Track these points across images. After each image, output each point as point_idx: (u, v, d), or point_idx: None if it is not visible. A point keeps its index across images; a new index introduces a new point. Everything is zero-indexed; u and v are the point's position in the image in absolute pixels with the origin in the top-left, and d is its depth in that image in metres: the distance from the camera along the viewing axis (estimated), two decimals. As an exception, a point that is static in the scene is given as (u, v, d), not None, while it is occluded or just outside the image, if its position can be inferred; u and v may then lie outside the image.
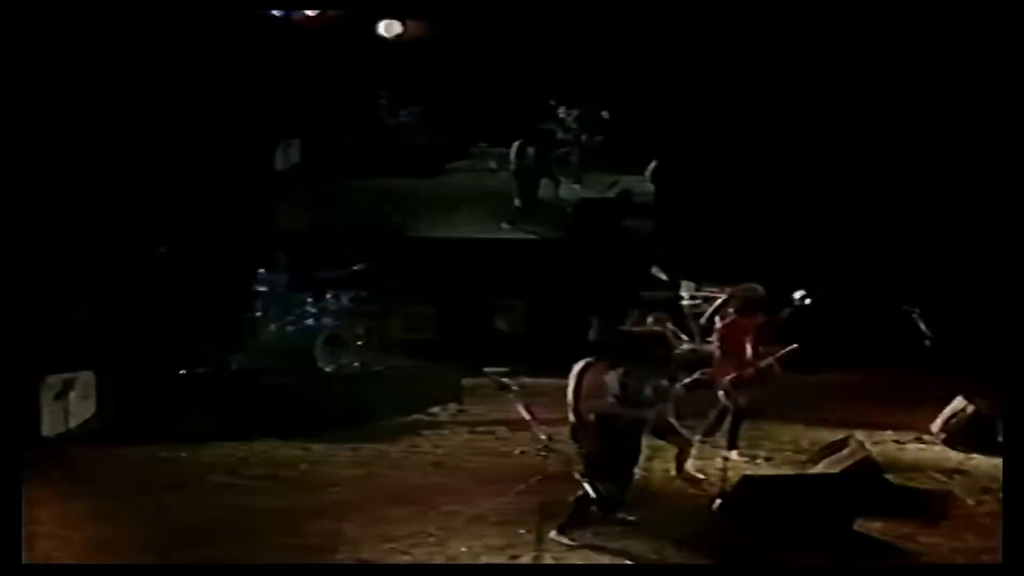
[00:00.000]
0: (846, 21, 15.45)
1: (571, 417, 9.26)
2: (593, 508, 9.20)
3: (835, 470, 10.40)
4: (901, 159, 16.11)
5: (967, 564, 9.04)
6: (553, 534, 9.02)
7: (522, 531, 9.08)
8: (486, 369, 9.04)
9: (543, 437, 8.06)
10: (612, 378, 9.06)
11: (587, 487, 9.02)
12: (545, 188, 17.20)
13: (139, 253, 14.32)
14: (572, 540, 9.00)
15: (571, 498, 8.99)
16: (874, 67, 15.84)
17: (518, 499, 9.40)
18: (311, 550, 8.70)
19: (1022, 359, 8.93)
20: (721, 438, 11.51)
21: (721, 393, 11.59)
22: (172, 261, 14.41)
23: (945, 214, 15.71)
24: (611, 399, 9.05)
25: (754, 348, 11.57)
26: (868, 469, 10.28)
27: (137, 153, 15.22)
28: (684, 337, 15.63)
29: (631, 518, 9.49)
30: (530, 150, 16.87)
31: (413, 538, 9.00)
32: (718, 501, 9.79)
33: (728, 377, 11.46)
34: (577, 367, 9.19)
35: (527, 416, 8.50)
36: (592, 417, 9.05)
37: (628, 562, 8.77)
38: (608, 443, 9.05)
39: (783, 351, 11.66)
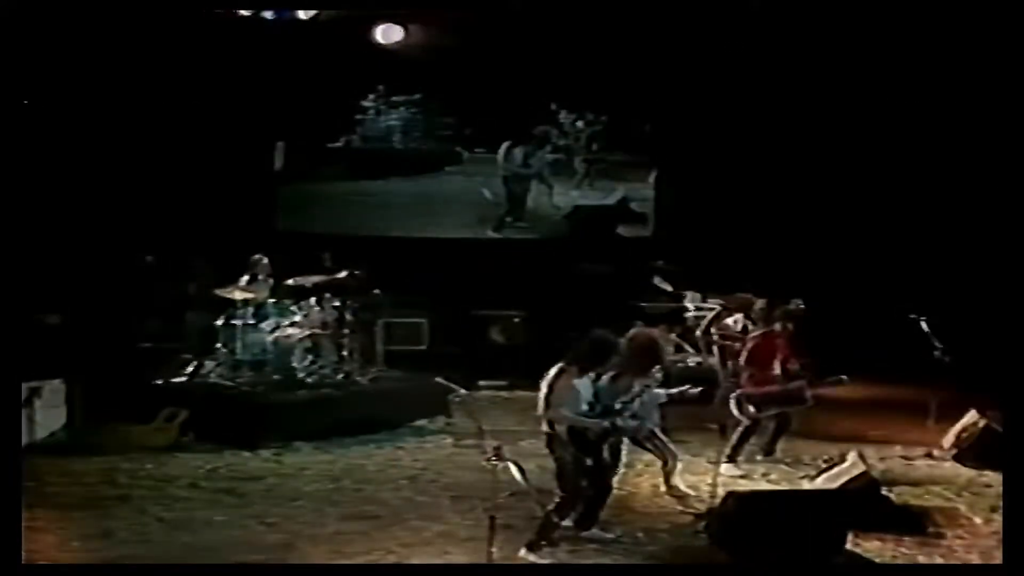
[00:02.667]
0: (846, 33, 14.95)
1: (544, 426, 8.69)
2: (567, 523, 8.65)
3: (831, 486, 9.82)
4: (911, 166, 15.55)
5: (966, 564, 8.61)
6: (522, 552, 8.44)
7: (493, 551, 8.51)
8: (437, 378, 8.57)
9: (492, 446, 7.48)
10: (584, 384, 8.48)
11: (558, 500, 8.49)
12: (539, 194, 16.64)
13: (124, 261, 13.87)
14: (541, 558, 8.43)
15: (542, 512, 8.41)
16: (878, 74, 15.31)
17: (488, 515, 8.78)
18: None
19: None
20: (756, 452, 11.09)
21: (735, 408, 11.01)
22: (156, 269, 13.98)
23: (956, 220, 15.11)
24: (583, 407, 8.48)
25: (783, 365, 11.04)
26: (866, 485, 9.64)
27: (121, 159, 14.84)
28: (690, 350, 15.19)
29: (608, 535, 8.95)
30: (518, 152, 16.31)
31: (370, 555, 8.45)
32: (702, 522, 9.22)
33: (748, 392, 10.89)
34: (549, 373, 8.59)
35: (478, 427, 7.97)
36: (563, 426, 8.47)
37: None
38: (580, 454, 8.47)
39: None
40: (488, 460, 7.27)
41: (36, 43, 12.83)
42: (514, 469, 7.40)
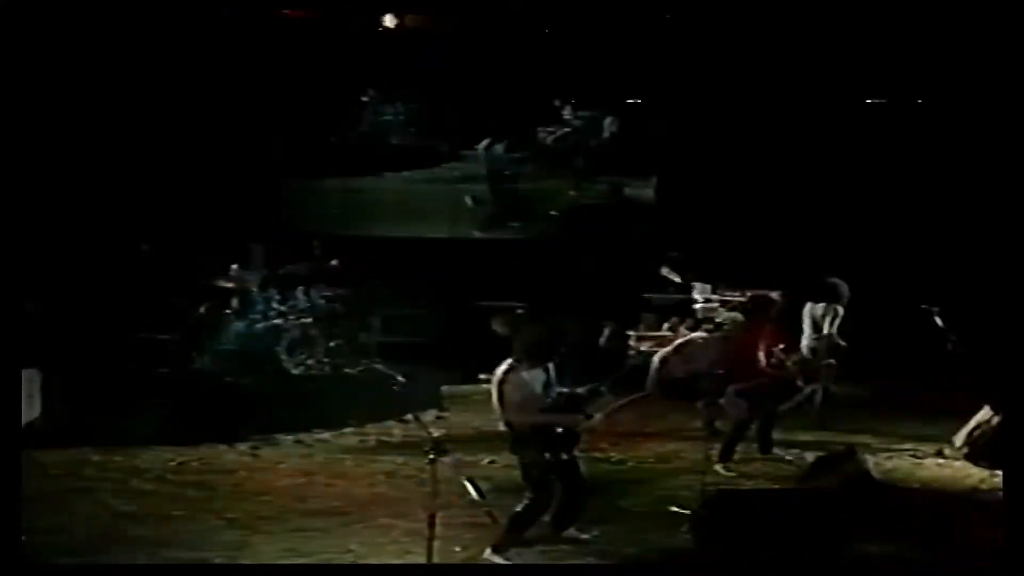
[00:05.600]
0: (851, 23, 14.59)
1: (502, 426, 8.20)
2: (543, 520, 8.16)
3: (827, 485, 9.25)
4: (922, 160, 14.94)
5: (965, 565, 8.15)
6: (487, 553, 7.98)
7: (457, 548, 8.10)
8: (376, 365, 8.25)
9: (432, 438, 7.06)
10: (537, 378, 7.96)
11: (526, 501, 8.02)
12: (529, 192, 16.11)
13: (107, 249, 13.50)
14: (508, 559, 7.95)
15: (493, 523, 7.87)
16: (884, 69, 14.88)
17: (458, 513, 8.32)
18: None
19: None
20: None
21: (726, 406, 10.50)
22: (142, 258, 13.60)
23: (967, 207, 14.49)
24: (545, 403, 7.95)
25: (770, 357, 10.48)
26: (863, 485, 9.06)
27: (112, 149, 14.46)
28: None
29: (584, 536, 8.44)
30: (499, 148, 15.78)
31: (328, 554, 8.03)
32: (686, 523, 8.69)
33: (738, 388, 10.36)
34: (499, 371, 8.09)
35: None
36: (525, 425, 7.96)
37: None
38: (547, 452, 7.97)
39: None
40: (427, 454, 6.84)
41: (32, 34, 12.51)
42: (468, 484, 7.01)
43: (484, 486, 9.32)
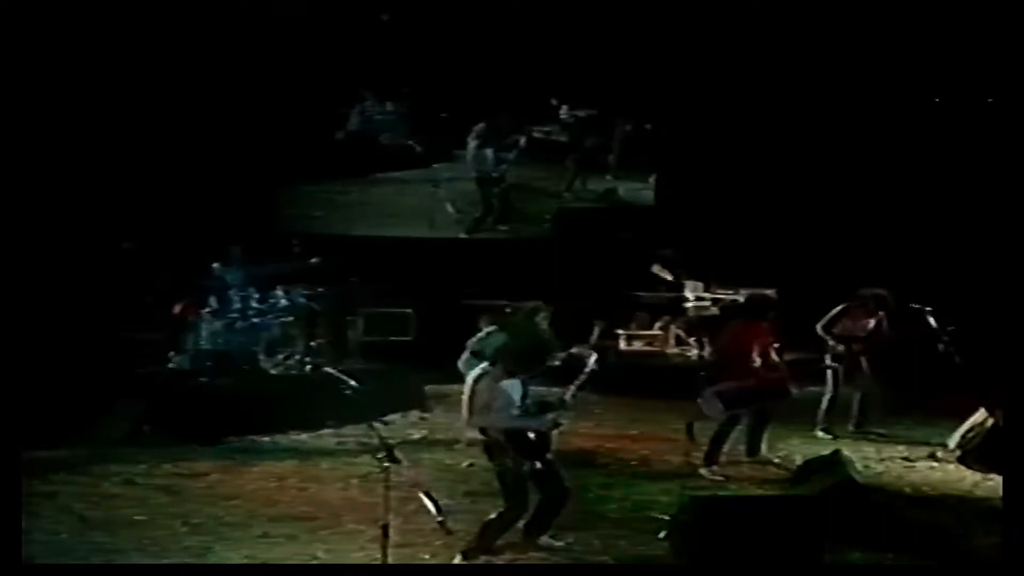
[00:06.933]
0: (849, 24, 14.36)
1: (477, 433, 7.97)
2: (509, 527, 7.91)
3: (810, 491, 8.97)
4: (919, 160, 14.71)
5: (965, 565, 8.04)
6: (457, 559, 7.75)
7: (426, 556, 7.85)
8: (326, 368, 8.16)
9: (384, 442, 6.82)
10: (514, 386, 7.71)
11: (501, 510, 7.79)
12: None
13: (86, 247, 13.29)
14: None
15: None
16: (880, 70, 14.61)
17: (427, 520, 8.06)
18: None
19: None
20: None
21: (703, 406, 10.24)
22: (126, 256, 13.37)
23: (965, 207, 14.25)
24: (514, 410, 7.70)
25: (762, 356, 10.20)
26: (848, 491, 8.78)
27: (99, 147, 14.23)
28: (691, 342, 14.40)
29: (558, 543, 8.19)
30: (488, 152, 15.45)
31: (293, 559, 7.80)
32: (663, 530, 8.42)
33: (717, 388, 10.09)
34: (471, 377, 7.87)
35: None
36: (499, 432, 7.72)
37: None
38: (524, 458, 7.71)
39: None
40: (379, 460, 6.59)
41: (29, 33, 12.31)
42: (425, 499, 6.91)
43: (462, 489, 9.30)
